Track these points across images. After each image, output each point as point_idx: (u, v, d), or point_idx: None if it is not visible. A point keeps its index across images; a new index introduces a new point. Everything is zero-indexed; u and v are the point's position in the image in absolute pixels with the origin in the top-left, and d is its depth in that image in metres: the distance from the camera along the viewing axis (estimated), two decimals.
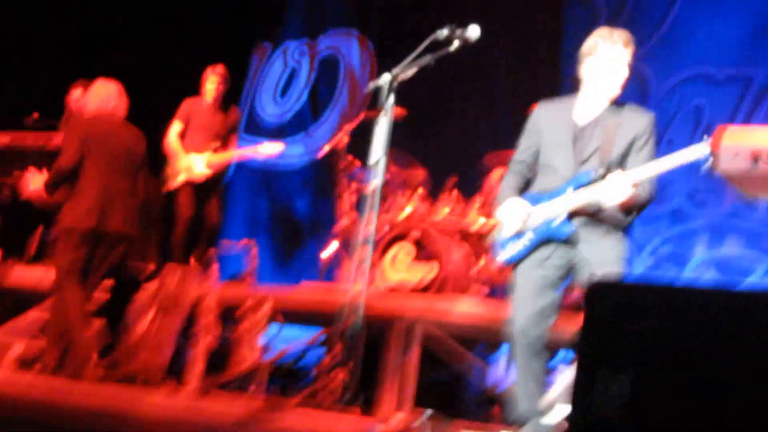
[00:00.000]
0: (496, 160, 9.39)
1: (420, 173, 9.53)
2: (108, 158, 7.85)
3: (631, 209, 5.29)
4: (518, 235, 5.50)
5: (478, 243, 9.04)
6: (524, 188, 5.63)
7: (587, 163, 5.34)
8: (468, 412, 9.23)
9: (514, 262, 5.54)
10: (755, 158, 4.39)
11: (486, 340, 9.37)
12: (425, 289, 8.58)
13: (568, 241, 5.38)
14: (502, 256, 5.60)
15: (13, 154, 10.49)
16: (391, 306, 8.13)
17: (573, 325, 7.49)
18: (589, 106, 5.47)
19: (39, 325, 9.40)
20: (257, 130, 13.04)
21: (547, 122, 5.57)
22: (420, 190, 9.34)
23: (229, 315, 8.75)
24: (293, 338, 9.31)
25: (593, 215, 5.36)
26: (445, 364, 9.05)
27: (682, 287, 3.31)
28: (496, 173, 9.30)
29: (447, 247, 8.68)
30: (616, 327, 3.14)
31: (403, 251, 8.80)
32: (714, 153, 4.57)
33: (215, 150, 9.65)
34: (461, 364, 9.15)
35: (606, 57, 5.37)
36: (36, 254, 10.30)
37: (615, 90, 5.41)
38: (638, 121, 5.37)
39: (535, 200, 5.48)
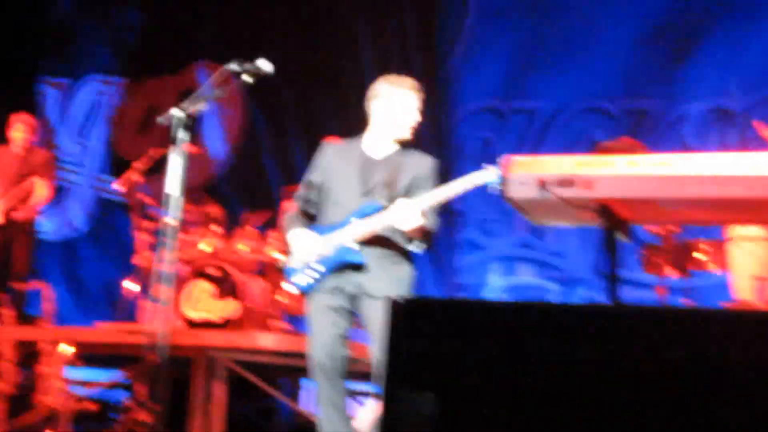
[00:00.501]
0: (289, 195, 9.49)
1: (215, 210, 9.55)
2: None
3: (419, 238, 5.47)
4: (307, 265, 5.62)
5: (276, 277, 9.11)
6: (309, 223, 5.77)
7: (371, 195, 5.54)
8: None
9: (307, 292, 5.66)
10: (542, 185, 4.59)
11: (289, 374, 9.46)
12: (225, 325, 8.59)
13: (358, 271, 5.54)
14: (294, 285, 5.72)
15: None
16: (192, 343, 8.13)
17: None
18: (378, 144, 5.69)
19: None
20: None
21: (334, 158, 5.76)
22: (216, 227, 9.35)
23: (27, 359, 8.60)
24: (94, 380, 9.20)
25: (380, 244, 5.53)
26: (251, 398, 9.10)
27: (483, 302, 3.42)
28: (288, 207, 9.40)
29: (245, 283, 8.72)
30: (417, 345, 3.22)
31: (201, 288, 8.80)
32: (503, 181, 4.75)
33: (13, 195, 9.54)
34: (266, 398, 9.20)
35: (397, 102, 5.62)
36: None
37: (405, 133, 5.65)
38: (420, 163, 5.61)
39: (322, 231, 5.63)
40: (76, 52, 12.86)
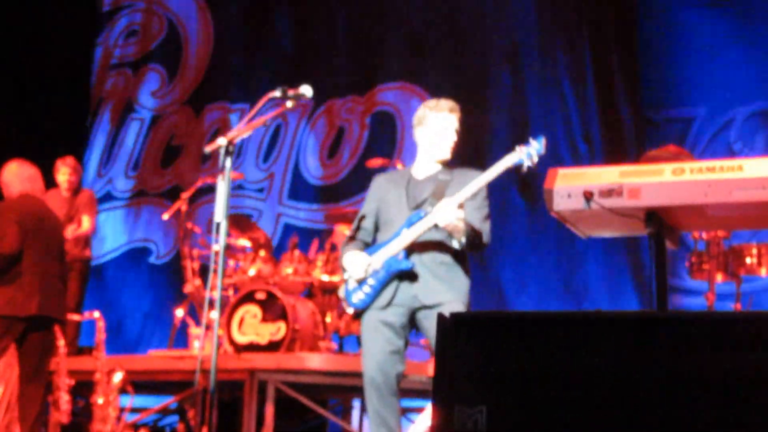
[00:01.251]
0: (337, 218, 9.56)
1: (261, 235, 9.63)
2: (44, 242, 7.62)
3: (459, 233, 5.52)
4: (361, 283, 5.70)
5: (323, 299, 9.16)
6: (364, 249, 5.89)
7: (420, 208, 5.69)
8: None
9: (360, 310, 5.72)
10: (587, 197, 4.62)
11: (338, 394, 9.52)
12: (274, 348, 8.64)
13: (411, 283, 5.60)
14: (350, 306, 5.78)
15: None
16: (241, 366, 8.20)
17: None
18: (424, 167, 5.89)
19: None
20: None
21: (384, 186, 5.96)
22: (262, 252, 9.43)
23: (79, 388, 8.69)
24: (146, 407, 9.29)
25: (431, 251, 5.59)
26: (301, 419, 9.16)
27: (533, 314, 3.42)
28: (338, 230, 9.47)
29: (292, 306, 8.77)
30: (469, 360, 3.23)
31: (250, 313, 8.86)
32: (548, 195, 4.78)
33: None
34: (317, 418, 9.25)
35: (433, 125, 5.80)
36: None
37: (445, 153, 5.84)
38: (468, 177, 5.69)
39: (374, 250, 5.74)
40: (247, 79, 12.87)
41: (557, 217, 4.91)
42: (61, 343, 8.37)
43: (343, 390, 9.16)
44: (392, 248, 5.63)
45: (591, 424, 3.11)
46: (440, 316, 3.24)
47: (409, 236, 5.60)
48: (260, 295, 8.87)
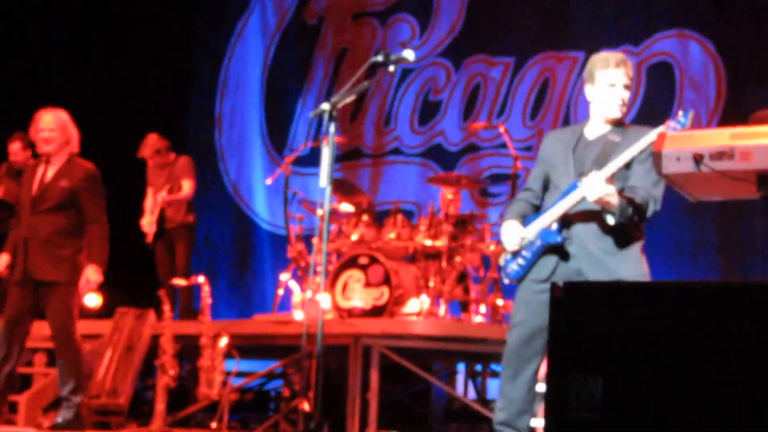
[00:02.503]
0: (443, 183, 9.51)
1: (364, 200, 9.62)
2: None
3: (610, 208, 5.30)
4: (517, 254, 5.58)
5: (426, 265, 9.14)
6: (534, 213, 5.67)
7: (584, 176, 5.37)
8: (433, 429, 9.36)
9: (515, 280, 5.60)
10: (698, 159, 4.51)
11: (443, 359, 9.51)
12: (378, 313, 8.65)
13: (571, 257, 5.44)
14: (506, 276, 5.67)
15: None
16: (346, 332, 8.22)
17: None
18: (597, 127, 5.58)
19: None
20: None
21: (553, 147, 5.67)
22: (365, 217, 9.43)
23: (185, 352, 8.79)
24: (252, 371, 9.37)
25: (590, 222, 5.43)
26: (406, 384, 9.17)
27: (646, 283, 3.35)
28: (443, 193, 9.42)
29: (395, 271, 8.76)
30: (584, 329, 3.18)
31: (353, 278, 8.88)
32: (657, 158, 4.66)
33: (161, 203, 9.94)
34: (421, 383, 9.26)
35: (601, 82, 5.48)
36: None
37: (614, 112, 5.50)
38: (637, 138, 5.37)
39: (533, 219, 5.56)
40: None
41: (666, 180, 4.79)
42: (166, 307, 8.49)
43: (448, 355, 9.14)
44: (546, 219, 5.43)
45: (708, 394, 3.05)
46: (553, 286, 3.17)
47: (561, 207, 5.40)
48: (363, 260, 8.87)
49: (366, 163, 12.40)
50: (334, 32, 13.03)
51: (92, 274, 7.43)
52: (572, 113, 11.08)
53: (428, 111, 12.11)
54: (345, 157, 12.23)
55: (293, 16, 13.32)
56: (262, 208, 12.81)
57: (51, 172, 7.52)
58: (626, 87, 5.49)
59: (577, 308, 3.21)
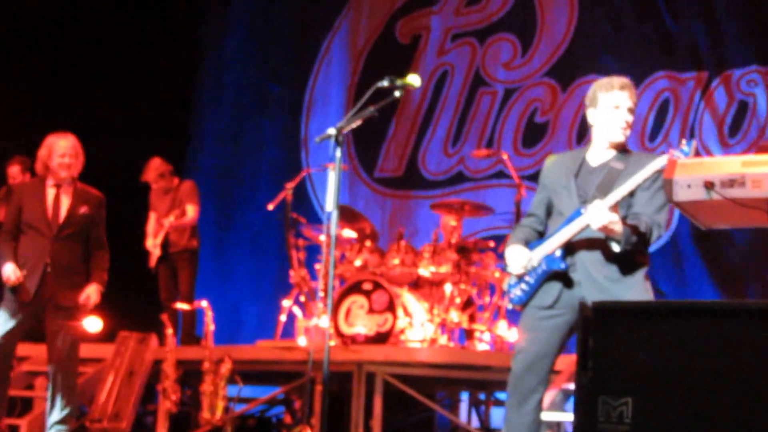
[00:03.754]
0: (443, 209, 9.48)
1: (367, 226, 9.59)
2: None
3: (614, 236, 5.26)
4: (520, 279, 5.54)
5: (431, 292, 9.10)
6: (536, 239, 5.60)
7: (589, 203, 5.32)
8: None
9: (521, 305, 5.55)
10: (708, 187, 4.49)
11: (446, 386, 9.46)
12: (382, 340, 8.61)
13: (575, 284, 5.37)
14: (510, 302, 5.62)
15: None
16: (349, 358, 8.18)
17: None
18: (599, 152, 5.52)
19: None
20: None
21: (554, 173, 5.62)
22: (368, 243, 9.39)
23: (187, 377, 8.75)
24: (254, 396, 9.32)
25: (594, 250, 5.40)
26: (409, 411, 9.12)
27: (680, 304, 3.30)
28: (445, 220, 9.39)
29: (399, 297, 8.72)
30: (613, 350, 3.14)
31: (356, 304, 8.84)
32: (668, 185, 4.64)
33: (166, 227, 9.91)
34: (424, 411, 9.21)
35: (604, 104, 5.44)
36: None
37: (618, 136, 5.45)
38: (643, 165, 5.29)
39: (537, 244, 5.51)
40: None
41: (677, 207, 4.77)
42: (168, 331, 8.46)
43: (452, 382, 9.10)
44: (550, 245, 5.39)
45: (741, 418, 3.01)
46: (582, 305, 3.13)
47: (565, 235, 5.37)
48: (367, 286, 8.83)
49: (468, 187, 11.93)
50: (431, 52, 12.67)
51: (94, 292, 7.43)
52: (697, 133, 10.75)
53: (534, 133, 11.74)
54: (447, 182, 12.01)
55: (383, 35, 13.07)
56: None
57: (66, 198, 7.52)
58: (630, 110, 5.44)
59: (606, 329, 3.17)
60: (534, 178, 11.27)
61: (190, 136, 13.84)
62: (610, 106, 5.42)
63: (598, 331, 3.16)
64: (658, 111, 10.93)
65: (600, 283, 5.30)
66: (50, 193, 7.52)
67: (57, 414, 7.36)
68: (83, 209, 7.46)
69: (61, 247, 7.40)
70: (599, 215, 5.14)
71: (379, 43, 13.00)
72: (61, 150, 7.49)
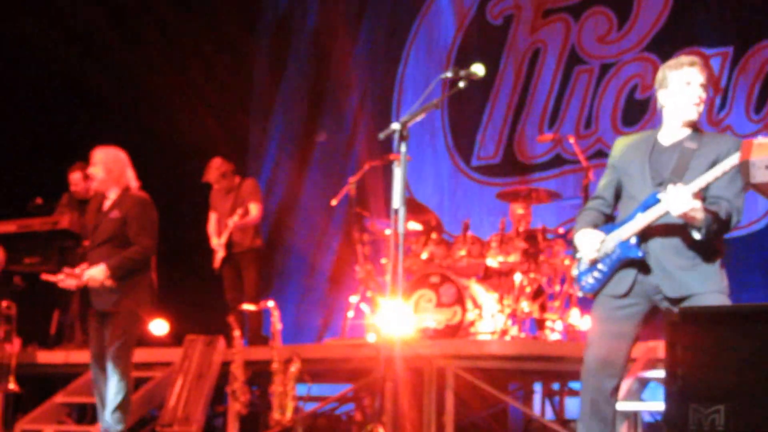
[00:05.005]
0: (511, 198, 9.33)
1: (432, 217, 9.46)
2: None
3: (695, 224, 5.14)
4: (593, 266, 5.39)
5: (499, 282, 8.96)
6: (607, 222, 5.48)
7: (664, 186, 5.17)
8: None
9: (593, 293, 5.41)
10: None
11: (519, 378, 9.30)
12: (452, 333, 8.48)
13: (650, 272, 5.23)
14: (580, 289, 5.48)
15: (20, 241, 10.44)
16: (420, 353, 8.04)
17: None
18: (672, 132, 5.37)
19: (65, 411, 9.33)
20: None
21: (626, 154, 5.47)
22: (434, 235, 9.26)
23: (255, 378, 8.68)
24: (323, 395, 9.23)
25: (671, 236, 5.24)
26: (480, 405, 8.97)
27: None
28: (512, 207, 9.25)
29: (468, 290, 8.59)
30: (703, 356, 2.99)
31: (424, 298, 8.72)
32: (745, 167, 4.45)
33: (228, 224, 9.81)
34: (496, 404, 9.06)
35: (675, 82, 5.30)
36: (56, 338, 10.26)
37: (690, 114, 5.31)
38: (719, 145, 5.21)
39: (609, 230, 5.36)
40: None
41: (755, 190, 4.58)
42: (236, 333, 8.37)
43: (524, 374, 8.94)
44: (625, 232, 5.24)
45: None
46: (668, 312, 2.97)
47: (641, 221, 5.20)
48: (434, 279, 8.71)
49: (568, 170, 11.48)
50: (524, 31, 12.28)
51: (95, 270, 7.26)
52: None
53: (634, 110, 11.20)
54: (545, 165, 11.64)
55: (475, 16, 12.67)
56: None
57: (107, 205, 7.52)
58: (702, 86, 5.29)
59: (695, 334, 3.01)
60: None
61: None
62: (682, 83, 5.27)
63: (686, 337, 2.99)
64: (765, 81, 10.45)
65: (670, 272, 5.16)
66: (98, 202, 7.61)
67: (108, 416, 7.27)
68: (114, 213, 7.41)
69: (98, 255, 7.34)
70: (681, 202, 4.96)
71: (471, 26, 12.63)
72: (91, 161, 7.60)
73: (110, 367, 7.23)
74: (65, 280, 7.37)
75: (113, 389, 7.22)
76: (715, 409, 2.93)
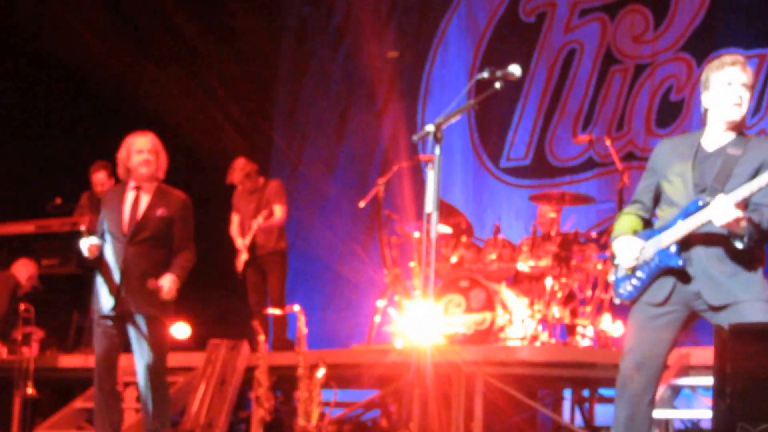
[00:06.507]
0: (544, 201, 9.17)
1: (462, 220, 9.32)
2: None
3: (739, 233, 4.98)
4: (631, 273, 5.24)
5: (530, 287, 8.82)
6: (645, 227, 5.36)
7: (706, 192, 5.07)
8: None
9: (630, 300, 5.27)
10: None
11: (548, 385, 9.16)
12: (481, 339, 8.34)
13: (690, 280, 5.09)
14: (617, 296, 5.35)
15: (39, 242, 10.35)
16: (448, 358, 7.89)
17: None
18: (715, 136, 5.24)
19: (84, 416, 9.20)
20: None
21: (668, 158, 5.33)
22: (464, 238, 9.12)
23: (279, 383, 8.54)
24: (350, 401, 9.10)
25: (714, 245, 5.07)
26: (509, 411, 8.83)
27: None
28: (543, 210, 9.10)
29: (498, 295, 8.45)
30: (753, 374, 2.85)
31: (453, 302, 8.58)
32: None
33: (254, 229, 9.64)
34: (525, 411, 8.92)
35: (717, 84, 5.17)
36: (75, 342, 10.13)
37: (733, 115, 5.17)
38: (764, 151, 5.09)
39: (648, 236, 5.23)
40: None
41: None
42: (260, 338, 8.22)
43: (554, 380, 8.79)
44: (665, 239, 5.12)
45: None
46: (718, 328, 2.81)
47: (682, 229, 5.06)
48: (464, 283, 8.57)
49: (600, 173, 11.30)
50: (557, 30, 12.08)
51: (167, 281, 7.02)
52: None
53: (669, 111, 11.01)
54: (577, 168, 11.44)
55: (505, 13, 12.46)
56: None
57: (144, 200, 7.19)
58: (745, 86, 5.14)
59: (745, 352, 2.87)
60: None
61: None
62: (723, 83, 5.13)
63: (736, 354, 2.86)
64: None
65: (716, 278, 5.02)
66: (129, 196, 7.20)
67: (150, 424, 7.12)
68: (161, 211, 7.12)
69: (137, 252, 7.06)
70: (725, 212, 4.83)
71: (501, 23, 12.43)
72: (139, 146, 7.18)
73: (154, 374, 7.07)
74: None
75: (160, 398, 7.11)
76: (764, 428, 2.80)
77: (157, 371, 7.10)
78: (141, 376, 7.10)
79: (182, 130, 11.90)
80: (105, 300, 7.09)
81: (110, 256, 7.14)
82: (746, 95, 5.15)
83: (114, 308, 7.06)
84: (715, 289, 5.01)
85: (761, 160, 5.03)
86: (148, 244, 7.10)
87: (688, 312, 5.14)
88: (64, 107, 12.31)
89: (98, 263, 7.12)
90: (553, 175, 11.48)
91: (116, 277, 7.07)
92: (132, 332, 7.10)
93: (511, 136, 12.02)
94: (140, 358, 7.09)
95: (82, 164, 10.33)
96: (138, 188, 7.21)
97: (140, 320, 7.05)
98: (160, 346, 7.11)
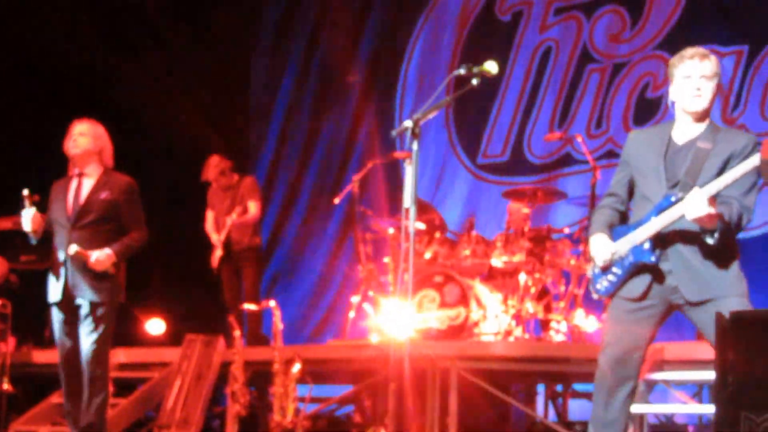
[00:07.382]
0: (515, 197, 9.22)
1: (436, 216, 9.35)
2: None
3: (710, 228, 5.00)
4: (607, 269, 5.29)
5: (504, 282, 8.85)
6: (621, 222, 5.38)
7: (678, 188, 5.10)
8: None
9: (608, 295, 5.31)
10: None
11: (522, 379, 9.20)
12: (455, 334, 8.37)
13: (666, 275, 5.12)
14: (595, 292, 5.38)
15: (16, 238, 10.30)
16: (423, 353, 7.93)
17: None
18: (684, 128, 5.26)
19: (60, 411, 9.19)
20: None
21: (640, 150, 5.36)
22: (438, 234, 9.15)
23: (254, 379, 8.56)
24: (325, 396, 9.12)
25: (686, 241, 5.09)
26: (483, 406, 8.87)
27: None
28: (513, 207, 9.14)
29: (472, 290, 8.49)
30: (755, 363, 2.88)
31: (428, 298, 8.61)
32: (765, 166, 4.33)
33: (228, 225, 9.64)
34: (500, 406, 8.95)
35: (678, 77, 5.21)
36: (50, 337, 10.11)
37: (696, 106, 5.19)
38: (733, 143, 5.10)
39: (621, 233, 5.26)
40: None
41: None
42: (236, 333, 8.24)
43: (527, 375, 8.84)
44: (638, 236, 5.14)
45: None
46: (719, 317, 2.84)
47: (656, 225, 5.09)
48: (438, 279, 8.60)
49: (578, 170, 11.24)
50: (533, 29, 12.09)
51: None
52: None
53: (645, 109, 11.00)
54: (555, 165, 11.45)
55: (482, 11, 12.46)
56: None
57: (88, 185, 7.10)
58: (705, 77, 5.16)
59: (746, 340, 2.90)
60: None
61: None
62: (683, 76, 5.17)
63: (737, 343, 2.88)
64: None
65: (697, 273, 5.05)
66: (73, 183, 7.11)
67: (86, 414, 7.01)
68: (104, 194, 7.00)
69: (81, 237, 6.91)
70: (697, 207, 4.86)
71: (478, 21, 12.44)
72: (73, 131, 7.14)
73: (93, 364, 6.90)
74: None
75: (98, 389, 6.93)
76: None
77: (97, 360, 6.91)
78: (83, 364, 6.95)
79: (157, 127, 11.87)
80: (53, 289, 7.01)
81: (57, 244, 7.05)
82: (707, 85, 5.15)
83: (62, 296, 6.96)
84: (693, 285, 5.04)
85: (730, 152, 5.05)
86: (92, 228, 6.96)
87: (666, 306, 5.17)
88: (44, 107, 12.25)
89: (46, 249, 7.09)
90: (532, 172, 11.51)
91: (62, 263, 6.97)
92: (79, 319, 6.96)
93: (488, 133, 12.03)
94: (83, 345, 6.93)
95: (56, 160, 10.30)
96: (81, 175, 7.13)
97: (85, 306, 6.93)
98: (103, 333, 6.93)
